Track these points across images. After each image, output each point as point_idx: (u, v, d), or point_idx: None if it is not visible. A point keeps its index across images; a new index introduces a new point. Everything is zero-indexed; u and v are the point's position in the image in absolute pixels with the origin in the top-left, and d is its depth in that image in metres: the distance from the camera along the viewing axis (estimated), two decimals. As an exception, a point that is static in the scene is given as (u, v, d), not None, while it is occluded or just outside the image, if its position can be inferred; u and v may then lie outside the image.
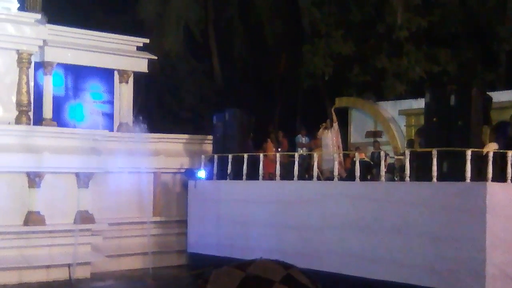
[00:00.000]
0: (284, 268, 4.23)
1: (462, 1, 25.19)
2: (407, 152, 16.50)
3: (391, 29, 25.16)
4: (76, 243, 18.76)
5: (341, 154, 19.26)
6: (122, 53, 22.68)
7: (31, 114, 20.49)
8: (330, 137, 19.27)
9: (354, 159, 17.81)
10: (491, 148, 15.60)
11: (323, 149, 19.40)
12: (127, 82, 22.94)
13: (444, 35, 25.56)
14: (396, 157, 18.83)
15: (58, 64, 21.38)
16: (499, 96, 19.09)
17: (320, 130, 19.71)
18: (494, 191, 14.63)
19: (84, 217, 19.38)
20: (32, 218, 18.79)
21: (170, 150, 22.51)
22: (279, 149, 20.66)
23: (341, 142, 19.99)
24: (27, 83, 20.37)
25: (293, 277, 4.16)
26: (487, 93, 16.89)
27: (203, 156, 21.78)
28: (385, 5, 25.25)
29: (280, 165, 19.28)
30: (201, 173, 21.39)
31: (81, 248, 19.05)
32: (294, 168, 18.78)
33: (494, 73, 25.39)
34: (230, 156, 20.52)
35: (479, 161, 15.35)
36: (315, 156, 18.68)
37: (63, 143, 19.47)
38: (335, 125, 19.68)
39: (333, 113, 20.20)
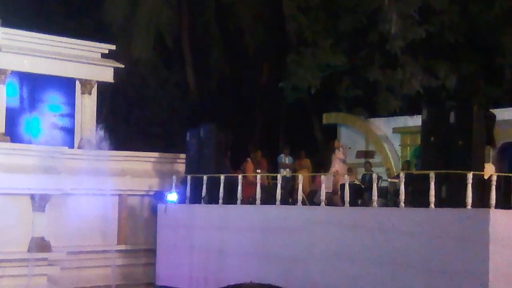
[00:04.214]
0: None
1: (463, 9, 25.47)
2: (402, 175, 16.62)
3: (384, 39, 25.38)
4: (30, 274, 18.62)
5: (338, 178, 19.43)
6: (85, 61, 22.70)
7: (-19, 128, 20.40)
8: (342, 158, 19.70)
9: (343, 182, 17.93)
10: (488, 170, 15.77)
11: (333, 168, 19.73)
12: (90, 93, 22.93)
13: (443, 46, 25.81)
14: (389, 180, 18.94)
15: (13, 72, 21.35)
16: (503, 114, 19.33)
17: (336, 151, 20.35)
18: (498, 218, 14.77)
19: (40, 245, 19.25)
20: (-20, 246, 18.63)
21: (138, 170, 22.48)
22: (258, 170, 20.78)
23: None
24: (-23, 93, 20.31)
25: None
26: (490, 110, 17.11)
27: (174, 177, 21.79)
28: (378, 12, 25.49)
29: (261, 187, 19.34)
30: (172, 196, 21.39)
31: (35, 280, 18.93)
32: (276, 191, 18.85)
33: (498, 88, 25.68)
34: (205, 177, 20.56)
35: (481, 186, 15.50)
36: (300, 177, 18.77)
37: (17, 161, 19.38)
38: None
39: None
